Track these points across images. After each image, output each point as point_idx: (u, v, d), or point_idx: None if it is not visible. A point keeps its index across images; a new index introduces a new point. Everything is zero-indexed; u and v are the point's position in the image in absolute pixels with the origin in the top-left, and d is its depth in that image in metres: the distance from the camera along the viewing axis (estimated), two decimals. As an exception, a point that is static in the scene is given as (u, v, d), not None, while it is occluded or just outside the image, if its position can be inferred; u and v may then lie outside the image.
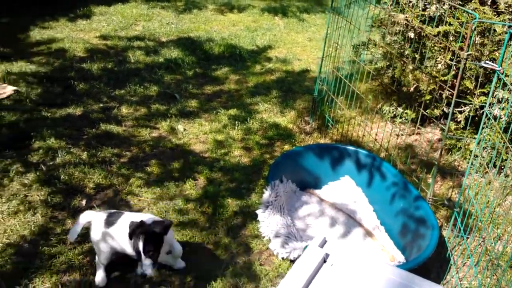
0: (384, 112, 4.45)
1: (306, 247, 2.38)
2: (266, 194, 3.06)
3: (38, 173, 3.45)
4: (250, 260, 2.85)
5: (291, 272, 1.67)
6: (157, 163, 3.74)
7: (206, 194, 3.39)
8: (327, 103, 4.46)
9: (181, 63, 5.87)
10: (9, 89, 4.82)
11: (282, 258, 2.81)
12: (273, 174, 3.17)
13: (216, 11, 8.40)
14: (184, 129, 4.29)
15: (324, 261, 1.75)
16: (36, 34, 6.86)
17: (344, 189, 3.39)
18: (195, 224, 3.11)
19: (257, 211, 3.07)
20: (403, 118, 4.36)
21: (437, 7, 3.75)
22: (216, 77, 5.60)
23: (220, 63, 6.01)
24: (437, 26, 3.66)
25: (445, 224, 3.24)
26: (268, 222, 2.94)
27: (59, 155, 3.67)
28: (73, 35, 6.87)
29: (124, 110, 4.58)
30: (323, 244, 1.82)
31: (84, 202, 3.22)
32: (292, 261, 2.79)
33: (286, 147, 4.09)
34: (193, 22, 7.69)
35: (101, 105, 4.65)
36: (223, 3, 8.86)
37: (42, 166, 3.54)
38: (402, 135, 4.25)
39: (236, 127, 4.33)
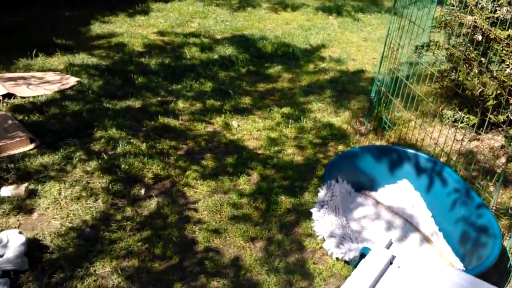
0: (445, 116, 4.30)
1: (363, 249, 2.35)
2: (322, 193, 3.04)
3: (100, 161, 3.58)
4: (304, 258, 2.83)
5: (357, 272, 1.65)
6: (212, 157, 3.79)
7: (259, 190, 3.40)
8: (384, 105, 4.36)
9: (235, 60, 5.92)
10: (72, 80, 5.03)
11: (337, 259, 2.78)
12: (329, 173, 3.14)
13: (269, 9, 8.42)
14: (238, 125, 4.33)
15: (390, 263, 1.72)
16: (97, 28, 7.12)
17: (401, 192, 3.31)
18: (249, 218, 3.13)
19: (312, 210, 3.05)
20: (464, 123, 4.20)
21: (507, 9, 3.59)
22: (269, 75, 5.62)
23: (273, 61, 6.02)
24: (507, 29, 3.50)
25: (507, 234, 3.10)
26: (323, 222, 2.92)
27: (120, 145, 3.80)
28: (132, 30, 7.08)
29: (181, 104, 4.68)
30: (389, 245, 1.79)
31: (143, 191, 3.31)
32: (347, 262, 2.75)
33: (340, 147, 4.04)
34: (247, 20, 7.75)
35: (159, 98, 4.77)
36: (277, 1, 8.87)
37: (104, 155, 3.67)
38: (463, 140, 4.10)
39: (289, 125, 4.33)
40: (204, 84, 5.18)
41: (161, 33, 7.02)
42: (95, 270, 2.63)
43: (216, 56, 6.07)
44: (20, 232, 2.71)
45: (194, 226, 3.03)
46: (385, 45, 4.11)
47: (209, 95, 4.94)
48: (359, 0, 9.17)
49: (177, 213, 3.14)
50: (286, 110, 4.65)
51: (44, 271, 2.60)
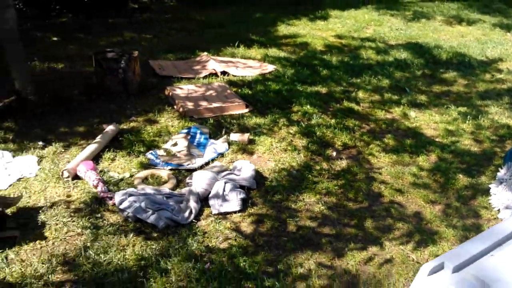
0: None
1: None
2: (502, 172, 3.36)
3: (299, 127, 4.38)
4: (479, 223, 3.21)
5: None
6: (392, 137, 4.33)
7: (438, 168, 3.84)
8: None
9: (410, 64, 6.36)
10: (270, 67, 6.01)
11: None
12: (511, 156, 3.43)
13: (444, 22, 8.62)
14: (416, 116, 4.79)
15: None
16: (283, 29, 8.16)
17: None
18: (428, 187, 3.59)
19: (490, 185, 3.39)
20: None
21: None
22: (444, 79, 5.94)
23: (448, 67, 6.30)
24: None
25: None
26: (500, 196, 3.25)
27: (314, 118, 4.56)
28: (313, 32, 7.95)
29: (361, 94, 5.30)
30: None
31: (334, 153, 4.00)
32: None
33: (518, 146, 4.24)
34: (421, 30, 8.09)
35: (341, 88, 5.46)
36: (451, 15, 9.02)
37: (302, 123, 4.46)
38: None
39: (467, 121, 4.65)
40: (381, 81, 5.74)
41: (339, 36, 7.76)
42: (303, 198, 3.37)
43: (391, 59, 6.58)
44: (250, 163, 3.59)
45: (379, 184, 3.60)
46: None
47: (386, 90, 5.48)
48: (542, 19, 8.82)
49: (364, 173, 3.75)
50: (462, 109, 4.96)
51: (267, 192, 3.42)
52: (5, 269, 2.58)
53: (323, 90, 5.36)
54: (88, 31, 7.39)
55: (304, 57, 6.54)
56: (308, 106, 4.81)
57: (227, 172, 3.50)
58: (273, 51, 6.77)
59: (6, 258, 2.67)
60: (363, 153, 4.05)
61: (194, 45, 6.93)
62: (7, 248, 2.74)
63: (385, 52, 6.90)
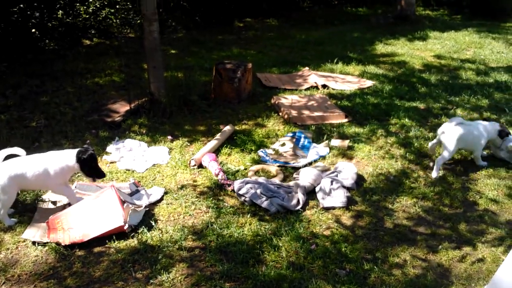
0: None
1: None
2: None
3: (396, 138, 4.66)
4: None
5: None
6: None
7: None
8: None
9: (510, 86, 6.32)
10: (368, 83, 6.34)
11: None
12: None
13: (552, 45, 8.34)
14: (515, 135, 4.83)
15: None
16: (381, 48, 8.43)
17: None
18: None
19: None
20: None
21: None
22: (550, 102, 5.84)
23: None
24: None
25: None
26: None
27: (412, 131, 4.81)
28: (411, 52, 8.14)
29: (459, 111, 5.43)
30: None
31: (431, 164, 4.22)
32: None
33: None
34: (524, 53, 7.92)
35: (439, 104, 5.63)
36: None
37: (400, 135, 4.74)
38: None
39: None
40: (480, 100, 5.81)
41: (438, 56, 7.87)
42: (400, 201, 3.66)
43: (491, 80, 6.58)
44: (353, 166, 3.96)
45: (474, 194, 3.78)
46: None
47: (485, 109, 5.55)
48: None
49: (459, 183, 3.94)
50: None
51: (365, 192, 3.76)
52: (147, 234, 3.19)
53: (421, 105, 5.57)
54: (201, 46, 8.26)
55: (402, 75, 6.78)
56: (406, 119, 5.07)
57: (330, 171, 3.90)
58: (371, 68, 7.09)
59: (147, 226, 3.28)
60: (459, 165, 4.23)
61: (295, 60, 7.48)
62: (148, 220, 3.37)
63: (485, 73, 6.91)
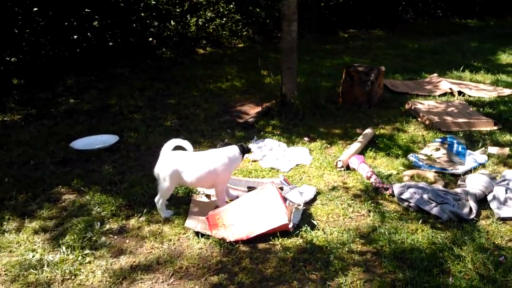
0: None
1: None
2: None
3: None
4: None
5: None
6: None
7: None
8: None
9: None
10: (506, 91, 5.82)
11: None
12: None
13: None
14: None
15: None
16: (505, 57, 7.81)
17: None
18: None
19: None
20: None
21: None
22: None
23: None
24: None
25: None
26: None
27: None
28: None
29: None
30: None
31: None
32: None
33: None
34: None
35: None
36: None
37: None
38: None
39: None
40: None
41: None
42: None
43: None
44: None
45: None
46: None
47: None
48: None
49: None
50: None
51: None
52: (311, 234, 2.98)
53: None
54: (313, 54, 8.12)
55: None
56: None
57: (500, 179, 3.48)
58: (503, 77, 6.54)
59: (309, 226, 3.07)
60: None
61: (415, 68, 7.09)
62: (307, 219, 3.16)
63: None
